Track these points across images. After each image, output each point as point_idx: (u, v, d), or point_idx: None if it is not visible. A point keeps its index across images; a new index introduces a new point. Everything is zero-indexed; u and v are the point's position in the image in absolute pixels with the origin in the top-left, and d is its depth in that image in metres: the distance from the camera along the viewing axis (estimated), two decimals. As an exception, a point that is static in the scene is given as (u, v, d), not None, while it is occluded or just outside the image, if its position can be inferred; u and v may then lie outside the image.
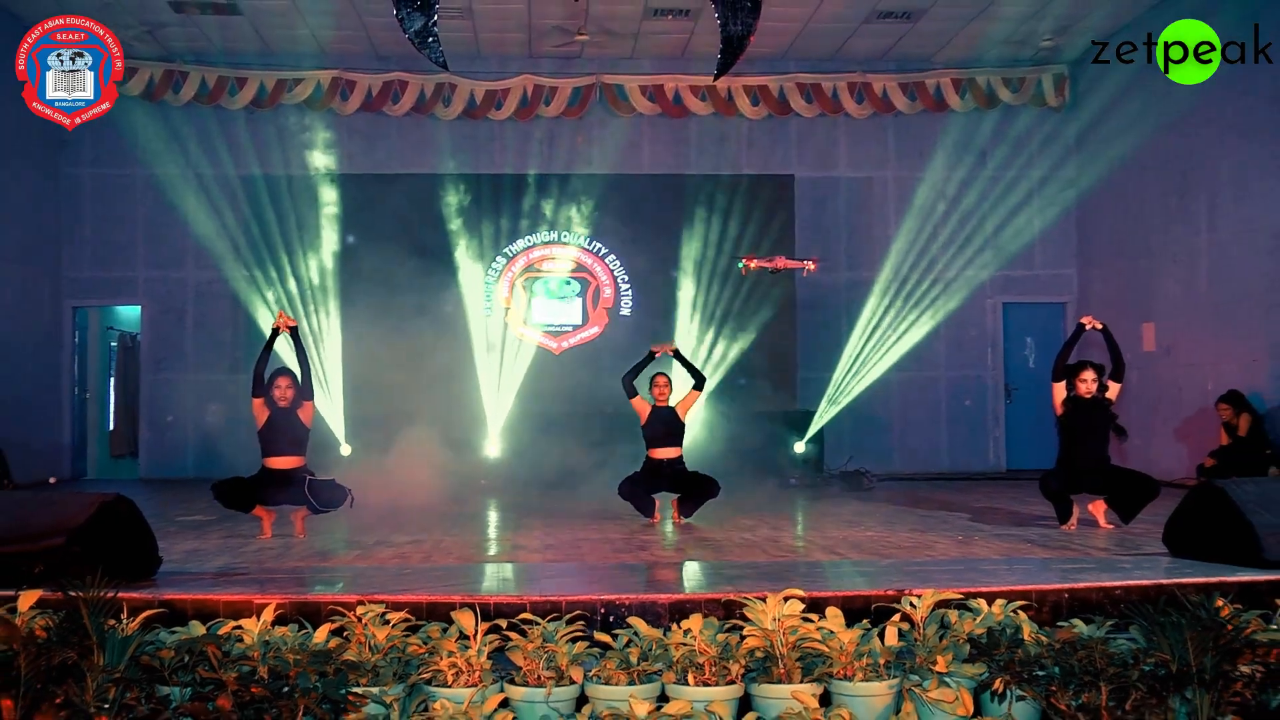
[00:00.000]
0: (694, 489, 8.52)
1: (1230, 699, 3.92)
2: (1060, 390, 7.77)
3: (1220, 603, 4.28)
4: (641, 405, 8.66)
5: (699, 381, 8.73)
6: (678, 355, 8.89)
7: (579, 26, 12.99)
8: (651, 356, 8.79)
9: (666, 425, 8.61)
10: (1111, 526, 7.61)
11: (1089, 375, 7.68)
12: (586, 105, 14.13)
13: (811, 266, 13.22)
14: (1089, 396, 7.67)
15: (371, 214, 13.54)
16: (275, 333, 7.85)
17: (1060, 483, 7.75)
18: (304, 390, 7.73)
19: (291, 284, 13.71)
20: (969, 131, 14.52)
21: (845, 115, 14.40)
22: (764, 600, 4.28)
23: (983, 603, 4.53)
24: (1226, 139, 11.78)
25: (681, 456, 8.70)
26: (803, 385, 14.06)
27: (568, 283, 14.02)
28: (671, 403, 8.67)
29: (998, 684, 4.02)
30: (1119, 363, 7.83)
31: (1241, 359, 11.50)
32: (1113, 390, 7.75)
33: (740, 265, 13.30)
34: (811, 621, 4.25)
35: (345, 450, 12.27)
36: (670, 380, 8.72)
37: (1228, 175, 11.81)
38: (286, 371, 7.77)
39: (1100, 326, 7.85)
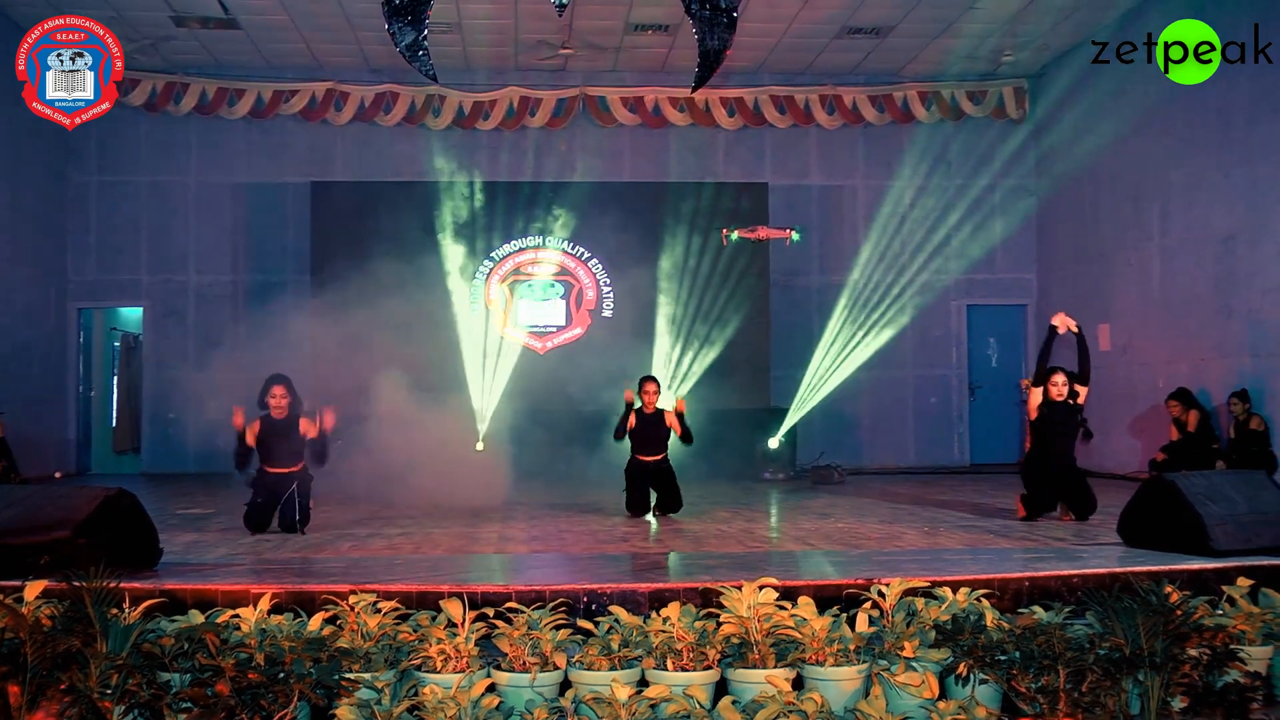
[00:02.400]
0: (667, 497, 8.85)
1: (1179, 680, 4.12)
2: (1037, 395, 8.01)
3: (1170, 590, 4.45)
4: (630, 422, 8.97)
5: (688, 442, 9.00)
6: (680, 419, 8.95)
7: (563, 41, 13.22)
8: (629, 408, 9.02)
9: (652, 431, 8.91)
10: (1070, 518, 7.91)
11: (1059, 379, 7.96)
12: (570, 116, 14.39)
13: (793, 235, 13.56)
14: (1060, 400, 7.94)
15: (364, 220, 13.62)
16: (242, 433, 7.74)
17: (1036, 480, 8.06)
18: (298, 401, 7.68)
19: (285, 287, 13.85)
20: (934, 142, 14.79)
21: (817, 126, 14.65)
22: (739, 589, 4.40)
23: (948, 591, 4.66)
24: (1177, 150, 12.04)
25: (666, 457, 8.99)
26: (776, 384, 14.22)
27: (552, 285, 14.18)
28: (660, 406, 8.93)
29: (962, 668, 4.18)
30: (1084, 367, 8.07)
31: (1191, 358, 11.78)
32: (1081, 395, 7.99)
33: (723, 236, 13.51)
34: (785, 609, 4.38)
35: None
36: (659, 387, 9.03)
37: (1178, 184, 12.05)
38: (280, 380, 7.70)
39: (1076, 330, 8.07)
